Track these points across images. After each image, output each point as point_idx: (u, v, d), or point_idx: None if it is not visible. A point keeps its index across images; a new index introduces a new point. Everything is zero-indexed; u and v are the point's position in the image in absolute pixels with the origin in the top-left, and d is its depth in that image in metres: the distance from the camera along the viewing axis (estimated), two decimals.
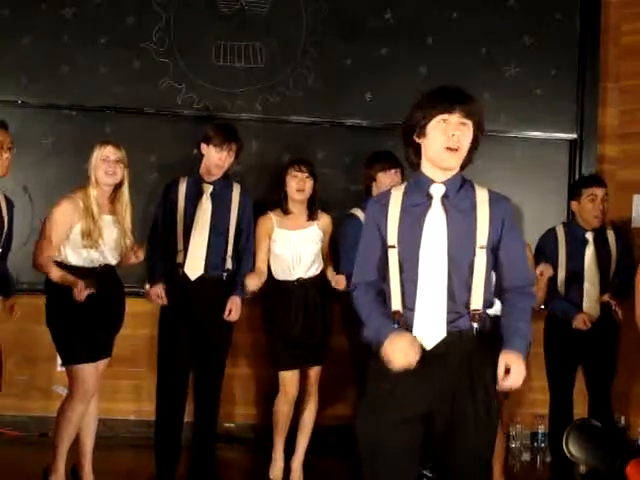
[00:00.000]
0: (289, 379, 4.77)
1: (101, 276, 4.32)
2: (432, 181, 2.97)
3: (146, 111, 5.46)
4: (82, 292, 4.15)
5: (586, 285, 4.87)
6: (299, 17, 5.59)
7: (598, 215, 4.88)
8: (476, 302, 2.93)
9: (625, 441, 1.75)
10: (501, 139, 5.69)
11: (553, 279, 4.89)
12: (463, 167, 3.01)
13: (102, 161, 4.34)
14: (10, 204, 4.26)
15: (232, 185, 4.82)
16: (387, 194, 3.06)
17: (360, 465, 3.06)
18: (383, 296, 3.03)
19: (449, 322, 2.91)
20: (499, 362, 2.84)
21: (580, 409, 4.95)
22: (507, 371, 2.83)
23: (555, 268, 4.90)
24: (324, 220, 4.89)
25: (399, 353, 2.82)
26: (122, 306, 4.51)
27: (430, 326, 2.91)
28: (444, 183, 2.97)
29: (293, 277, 4.79)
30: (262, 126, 5.55)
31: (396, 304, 2.96)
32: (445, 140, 2.90)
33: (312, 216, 4.84)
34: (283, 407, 4.81)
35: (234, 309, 4.70)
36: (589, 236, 4.92)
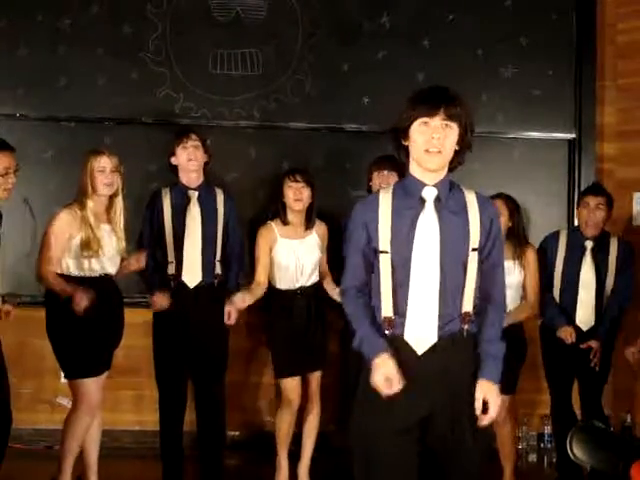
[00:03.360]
0: (291, 387, 4.76)
1: (102, 286, 4.32)
2: (423, 184, 2.95)
3: (144, 121, 5.47)
4: (81, 302, 4.14)
5: (581, 292, 4.86)
6: (295, 23, 5.59)
7: (589, 223, 4.88)
8: (467, 304, 2.94)
9: (630, 442, 1.74)
10: (499, 140, 5.69)
11: (548, 284, 4.91)
12: (452, 169, 2.99)
13: (99, 172, 4.34)
14: None
15: (215, 190, 4.85)
16: (375, 197, 3.02)
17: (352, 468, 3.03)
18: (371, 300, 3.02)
19: (441, 326, 2.90)
20: (476, 395, 2.88)
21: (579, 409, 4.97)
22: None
23: (552, 272, 4.92)
24: (321, 229, 4.90)
25: (381, 382, 2.84)
26: (122, 316, 4.51)
27: (422, 331, 2.90)
28: (435, 186, 2.95)
29: (296, 286, 4.79)
30: (260, 133, 5.55)
31: (387, 310, 2.94)
32: (425, 142, 2.88)
33: (310, 225, 4.84)
34: (286, 417, 4.80)
35: (233, 313, 4.70)
36: (588, 244, 4.90)
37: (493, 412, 2.87)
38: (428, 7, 5.68)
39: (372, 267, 2.99)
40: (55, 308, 4.30)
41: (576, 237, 4.95)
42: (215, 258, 4.76)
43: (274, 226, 4.83)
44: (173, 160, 4.77)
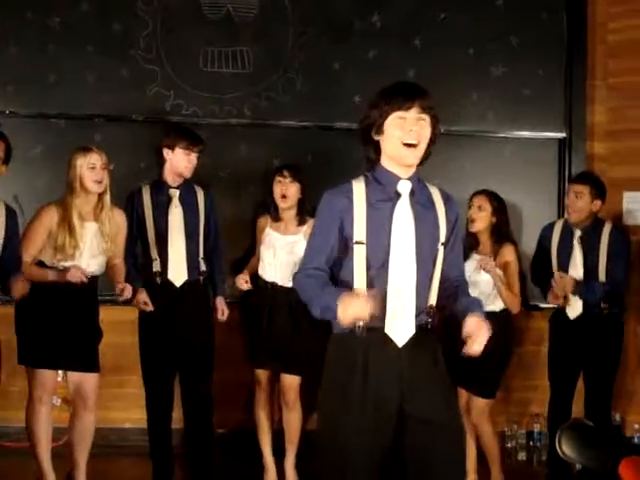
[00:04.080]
0: (262, 376, 4.82)
1: (77, 285, 4.27)
2: (398, 177, 2.95)
3: (135, 118, 5.46)
4: (75, 274, 4.16)
5: None
6: (286, 21, 5.59)
7: (569, 210, 4.96)
8: (433, 298, 2.97)
9: (619, 440, 1.74)
10: (490, 139, 5.70)
11: (548, 272, 4.98)
12: (422, 162, 2.99)
13: (89, 169, 4.32)
14: (11, 212, 4.22)
15: (195, 189, 4.85)
16: (348, 187, 2.97)
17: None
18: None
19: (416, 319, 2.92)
20: (465, 325, 2.84)
21: (579, 407, 4.98)
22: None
23: (549, 261, 4.99)
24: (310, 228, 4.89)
25: (352, 307, 2.72)
26: (95, 318, 4.46)
27: (401, 324, 2.90)
28: (410, 179, 2.95)
29: (269, 279, 4.80)
30: (251, 131, 5.55)
31: None
32: (402, 135, 2.88)
33: (301, 220, 4.84)
34: (262, 406, 4.85)
35: (224, 308, 4.81)
36: (577, 232, 4.95)
37: (482, 341, 2.82)
38: (419, 6, 5.68)
39: (337, 257, 2.95)
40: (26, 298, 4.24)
41: (567, 226, 5.02)
42: (199, 256, 4.77)
43: (269, 217, 4.88)
44: (166, 154, 4.73)
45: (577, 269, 4.91)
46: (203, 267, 4.79)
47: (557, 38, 5.77)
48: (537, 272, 5.13)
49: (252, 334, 4.85)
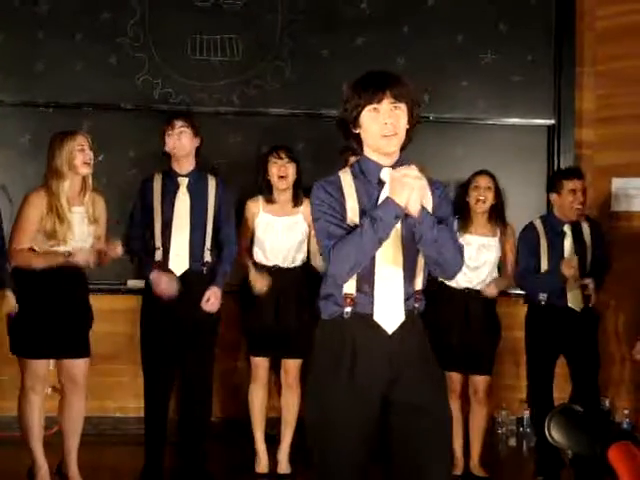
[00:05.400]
0: (257, 364, 4.82)
1: (68, 270, 4.28)
2: (380, 166, 2.92)
3: (123, 107, 5.45)
4: (82, 256, 4.19)
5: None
6: (275, 9, 5.58)
7: (580, 207, 4.88)
8: (419, 283, 2.95)
9: (608, 425, 1.75)
10: (479, 126, 5.72)
11: (536, 271, 4.92)
12: (403, 147, 2.97)
13: (79, 152, 4.29)
14: None
15: (207, 178, 4.78)
16: (337, 178, 2.96)
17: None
18: None
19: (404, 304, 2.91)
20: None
21: (559, 393, 4.98)
22: None
23: (538, 261, 4.91)
24: (308, 209, 4.88)
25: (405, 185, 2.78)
26: (86, 303, 4.46)
27: (391, 310, 2.89)
28: (392, 167, 2.92)
29: (269, 264, 4.80)
30: (240, 119, 5.55)
31: (349, 287, 2.88)
32: (379, 129, 2.85)
33: (298, 202, 4.84)
34: (257, 393, 4.84)
35: (212, 298, 4.66)
36: (567, 228, 4.90)
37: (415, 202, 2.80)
38: None
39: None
40: (18, 285, 4.25)
41: (554, 223, 4.94)
42: (204, 245, 4.71)
43: (261, 199, 4.85)
44: (165, 144, 4.70)
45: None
46: (208, 258, 4.71)
47: (546, 25, 5.78)
48: (528, 274, 4.97)
49: (253, 323, 4.83)
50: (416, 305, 2.95)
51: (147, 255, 4.70)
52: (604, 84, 5.80)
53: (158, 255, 4.66)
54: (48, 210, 4.24)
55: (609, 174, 5.69)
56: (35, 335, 4.26)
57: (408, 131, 2.93)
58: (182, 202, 4.68)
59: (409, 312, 2.92)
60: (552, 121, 5.77)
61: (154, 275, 4.59)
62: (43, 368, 4.35)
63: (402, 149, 2.97)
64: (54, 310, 4.28)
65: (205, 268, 4.71)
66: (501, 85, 5.72)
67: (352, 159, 4.74)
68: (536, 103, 5.75)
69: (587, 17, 5.82)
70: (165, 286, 4.56)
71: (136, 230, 4.72)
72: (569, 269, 4.73)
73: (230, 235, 4.79)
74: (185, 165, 4.71)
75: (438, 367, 3.02)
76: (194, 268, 4.68)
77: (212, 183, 4.77)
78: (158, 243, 4.66)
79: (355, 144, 3.00)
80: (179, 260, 4.66)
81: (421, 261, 2.94)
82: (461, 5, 5.69)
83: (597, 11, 5.82)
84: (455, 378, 4.86)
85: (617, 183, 5.71)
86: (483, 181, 4.87)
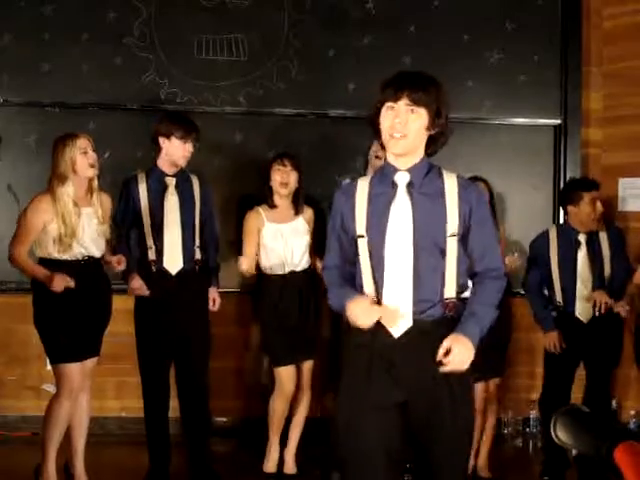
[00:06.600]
0: (286, 376, 4.76)
1: (86, 269, 4.30)
2: (396, 169, 2.94)
3: (129, 107, 5.44)
4: (58, 283, 4.14)
5: (579, 287, 4.84)
6: (281, 9, 5.57)
7: (599, 218, 4.88)
8: (449, 291, 2.91)
9: (614, 425, 1.74)
10: (486, 126, 5.70)
11: (548, 281, 4.92)
12: (430, 154, 2.98)
13: (83, 154, 4.28)
14: None
15: (190, 177, 4.81)
16: (354, 185, 3.04)
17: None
18: (353, 281, 3.03)
19: (420, 311, 2.88)
20: (443, 342, 2.83)
21: (577, 394, 4.97)
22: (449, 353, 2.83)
23: (549, 271, 4.89)
24: (308, 213, 4.90)
25: (360, 311, 2.86)
26: (109, 301, 4.49)
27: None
28: (408, 170, 2.93)
29: (285, 271, 4.79)
30: (246, 119, 5.54)
31: (369, 292, 2.95)
32: (389, 127, 2.86)
33: (298, 209, 4.84)
34: (280, 405, 4.81)
35: (217, 299, 4.81)
36: (582, 238, 4.87)
37: (455, 362, 2.81)
38: None
39: (352, 250, 3.01)
40: (41, 293, 4.26)
41: (569, 233, 4.90)
42: (194, 244, 4.74)
43: (261, 211, 4.83)
44: (162, 142, 4.68)
45: (585, 275, 4.85)
46: (198, 256, 4.75)
47: (552, 24, 5.76)
48: (538, 286, 4.98)
49: (273, 334, 4.79)
50: (446, 313, 2.91)
51: (131, 255, 4.70)
52: (611, 84, 5.78)
53: (151, 254, 4.66)
54: (54, 215, 4.23)
55: (616, 174, 5.67)
56: (71, 340, 4.26)
57: (431, 137, 2.93)
58: (171, 202, 4.68)
59: (431, 320, 2.89)
60: (558, 121, 5.75)
61: (134, 280, 4.65)
62: (78, 371, 4.33)
63: (429, 155, 2.98)
64: (84, 313, 4.29)
65: (197, 266, 4.75)
66: (507, 85, 5.70)
67: (377, 162, 4.78)
68: (542, 103, 5.74)
69: (594, 17, 5.80)
70: (138, 287, 4.63)
71: (121, 231, 4.70)
72: (550, 347, 4.83)
73: (214, 232, 4.90)
74: (173, 167, 4.72)
75: (462, 379, 2.94)
76: (187, 267, 4.70)
77: (196, 183, 4.80)
78: (150, 242, 4.66)
79: (380, 141, 3.01)
80: (173, 259, 4.68)
81: (450, 269, 2.91)
82: (467, 5, 5.68)
83: (604, 11, 5.80)
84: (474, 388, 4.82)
85: (624, 183, 5.69)
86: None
